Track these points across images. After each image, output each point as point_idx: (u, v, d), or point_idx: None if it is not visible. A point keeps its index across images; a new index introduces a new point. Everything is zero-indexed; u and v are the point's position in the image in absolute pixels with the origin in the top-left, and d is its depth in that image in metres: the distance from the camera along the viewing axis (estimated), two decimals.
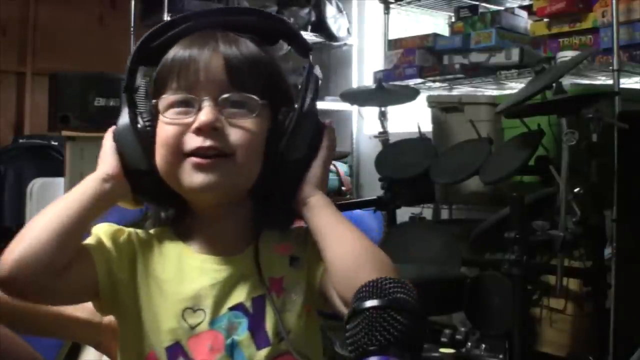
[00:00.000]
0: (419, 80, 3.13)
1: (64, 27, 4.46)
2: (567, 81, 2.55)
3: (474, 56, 2.92)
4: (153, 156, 0.87)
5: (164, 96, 0.87)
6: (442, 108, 3.03)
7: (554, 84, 2.16)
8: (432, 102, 3.08)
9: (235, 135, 0.85)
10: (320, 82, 0.93)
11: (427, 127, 3.04)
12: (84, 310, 0.90)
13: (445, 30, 3.49)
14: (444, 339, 2.18)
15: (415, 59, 3.18)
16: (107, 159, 0.89)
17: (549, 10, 2.70)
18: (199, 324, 0.85)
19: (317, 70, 0.93)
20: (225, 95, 0.86)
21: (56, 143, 3.93)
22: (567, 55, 2.52)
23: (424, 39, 3.22)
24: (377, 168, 2.88)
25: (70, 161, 3.17)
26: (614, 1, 2.38)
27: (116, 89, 3.27)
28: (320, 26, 4.10)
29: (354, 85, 4.10)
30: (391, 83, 3.13)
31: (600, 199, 2.16)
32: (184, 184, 0.86)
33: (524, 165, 2.27)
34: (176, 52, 0.89)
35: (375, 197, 2.92)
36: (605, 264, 2.16)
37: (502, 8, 3.20)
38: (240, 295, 0.87)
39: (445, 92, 3.26)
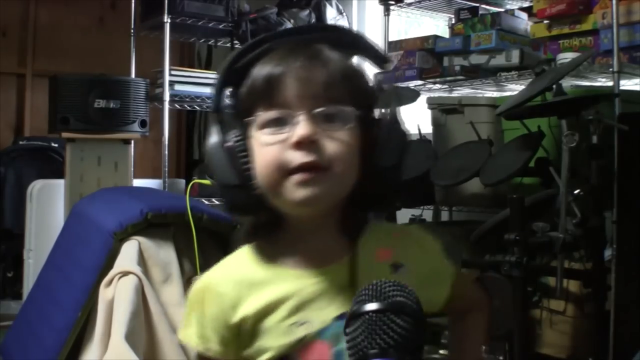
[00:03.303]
0: (419, 82, 3.13)
1: (64, 28, 4.47)
2: (567, 83, 2.55)
3: (474, 58, 2.92)
4: (245, 171, 0.89)
5: (258, 114, 0.89)
6: (442, 110, 3.03)
7: (554, 86, 2.16)
8: (432, 103, 3.08)
9: (331, 147, 0.87)
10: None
11: (427, 128, 3.04)
12: None
13: (445, 32, 3.49)
14: (444, 341, 2.18)
15: (415, 61, 3.18)
16: None
17: (549, 12, 2.70)
18: (306, 336, 0.88)
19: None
20: (319, 109, 0.87)
21: (56, 145, 3.94)
22: (567, 56, 2.52)
23: (424, 41, 3.22)
24: None
25: (71, 163, 3.18)
26: (614, 3, 2.38)
27: (116, 90, 3.28)
28: None
29: None
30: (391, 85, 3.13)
31: (600, 200, 2.16)
32: (287, 199, 0.88)
33: (524, 167, 2.27)
34: (264, 69, 0.90)
35: None
36: (605, 265, 2.16)
37: (502, 10, 3.20)
38: (344, 304, 0.88)
39: (445, 94, 3.26)
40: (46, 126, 3.32)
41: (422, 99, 3.08)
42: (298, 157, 0.85)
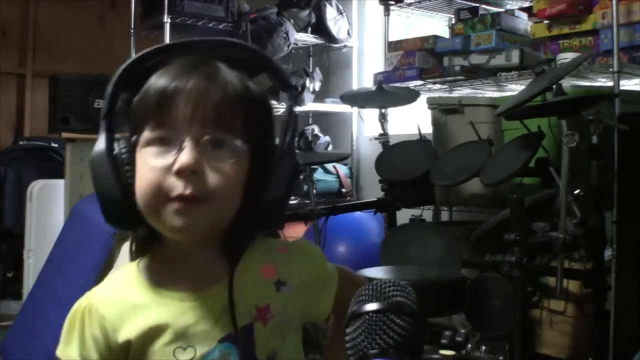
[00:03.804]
0: (419, 82, 3.13)
1: (64, 28, 4.47)
2: (567, 83, 2.56)
3: (474, 58, 2.93)
4: (127, 183, 0.86)
5: (144, 132, 0.85)
6: (442, 110, 3.03)
7: (554, 86, 2.16)
8: (432, 103, 3.08)
9: (214, 179, 0.84)
10: (296, 116, 0.93)
11: (427, 128, 3.05)
12: None
13: (445, 32, 3.50)
14: (444, 341, 2.18)
15: (415, 61, 3.19)
16: None
17: (549, 12, 2.70)
18: None
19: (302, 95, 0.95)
20: (207, 137, 0.84)
21: (56, 145, 3.94)
22: (567, 57, 2.52)
23: (424, 41, 3.22)
24: (377, 170, 2.89)
25: (70, 163, 3.17)
26: (614, 3, 2.38)
27: None
28: (321, 28, 4.11)
29: (354, 87, 4.10)
30: (391, 85, 3.13)
31: (600, 200, 2.16)
32: (164, 224, 0.85)
33: (525, 167, 2.27)
34: (158, 82, 0.86)
35: (375, 199, 2.92)
36: (605, 265, 2.16)
37: (502, 10, 3.20)
38: (227, 325, 0.87)
39: (445, 94, 3.26)
40: (46, 126, 3.32)
41: (422, 99, 3.08)
42: (178, 187, 0.83)
